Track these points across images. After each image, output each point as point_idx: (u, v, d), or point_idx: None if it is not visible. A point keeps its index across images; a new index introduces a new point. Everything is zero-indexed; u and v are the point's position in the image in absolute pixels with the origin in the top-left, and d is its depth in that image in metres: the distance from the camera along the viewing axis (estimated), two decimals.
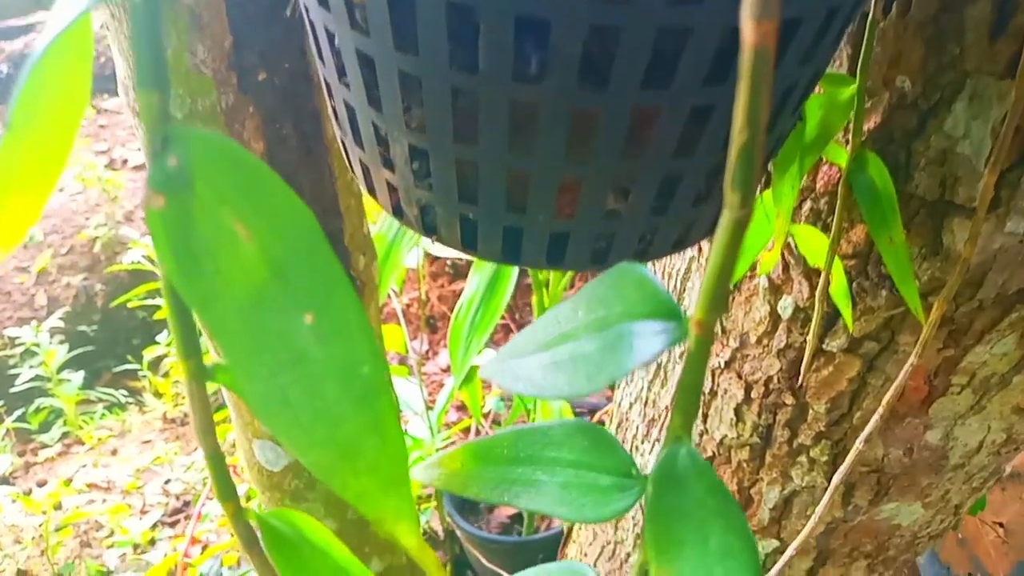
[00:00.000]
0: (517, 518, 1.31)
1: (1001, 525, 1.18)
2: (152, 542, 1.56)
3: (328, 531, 0.23)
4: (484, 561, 1.18)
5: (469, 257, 1.02)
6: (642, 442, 0.68)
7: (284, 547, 0.22)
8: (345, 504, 0.84)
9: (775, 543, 0.59)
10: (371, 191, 0.26)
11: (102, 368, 2.65)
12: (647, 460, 0.68)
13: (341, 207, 0.68)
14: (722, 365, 0.52)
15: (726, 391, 0.53)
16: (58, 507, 1.69)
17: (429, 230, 0.25)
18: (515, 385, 0.23)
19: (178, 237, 0.14)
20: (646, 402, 0.67)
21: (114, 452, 2.02)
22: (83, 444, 2.12)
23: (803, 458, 0.52)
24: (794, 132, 0.31)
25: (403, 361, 1.89)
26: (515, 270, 0.94)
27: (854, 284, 0.39)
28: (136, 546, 1.51)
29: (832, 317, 0.42)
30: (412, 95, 0.21)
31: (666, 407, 0.62)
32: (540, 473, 0.25)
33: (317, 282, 0.15)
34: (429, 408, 1.33)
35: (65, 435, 2.20)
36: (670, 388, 0.62)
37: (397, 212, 0.26)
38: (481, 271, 0.96)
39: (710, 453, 0.57)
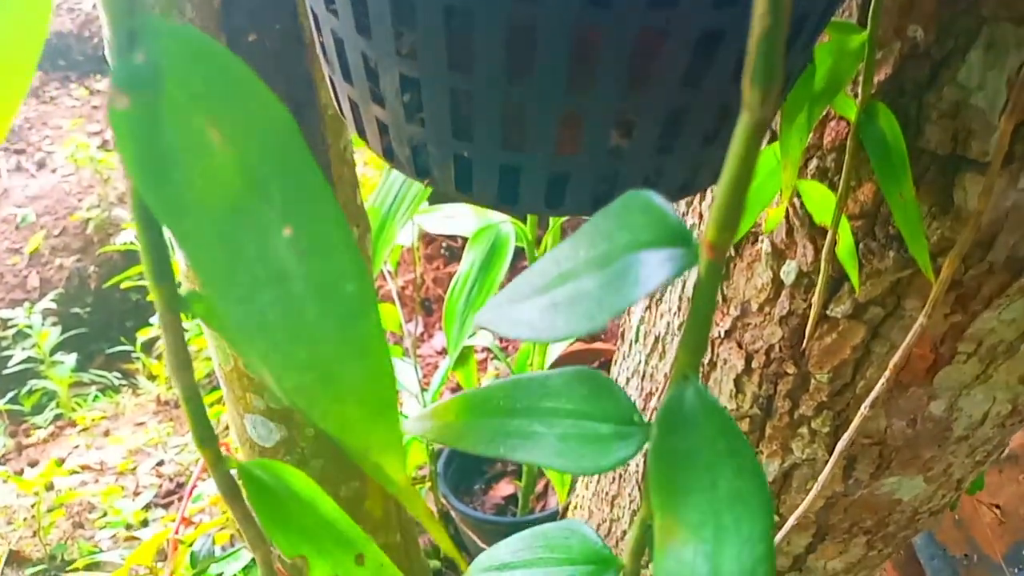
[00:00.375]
0: (512, 499, 1.30)
1: (998, 507, 1.18)
2: (145, 523, 1.55)
3: (313, 483, 0.22)
4: (479, 542, 1.17)
5: (465, 233, 1.00)
6: None
7: (267, 498, 0.21)
8: (338, 480, 0.83)
9: (774, 518, 0.58)
10: (361, 132, 0.25)
11: (95, 351, 2.64)
12: None
13: (334, 176, 0.66)
14: (722, 335, 0.51)
15: (726, 361, 0.52)
16: (50, 487, 1.68)
17: (422, 172, 0.24)
18: (513, 330, 0.21)
19: (145, 142, 0.13)
20: (643, 376, 0.66)
21: (107, 434, 2.01)
22: (76, 426, 2.11)
23: (804, 430, 0.51)
24: (803, 80, 0.30)
25: (398, 342, 1.88)
26: (511, 245, 0.92)
27: (861, 245, 0.38)
28: (128, 526, 1.50)
29: (837, 282, 0.41)
30: (403, 18, 0.20)
31: (665, 375, 0.61)
32: (537, 424, 0.24)
33: (297, 192, 0.13)
34: (424, 390, 1.32)
35: (58, 417, 2.19)
36: (668, 360, 0.61)
37: (388, 154, 0.25)
38: (477, 247, 0.95)
39: None
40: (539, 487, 1.31)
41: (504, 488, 1.31)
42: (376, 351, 0.13)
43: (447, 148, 0.23)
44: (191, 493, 0.93)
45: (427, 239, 2.37)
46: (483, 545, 1.16)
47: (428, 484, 1.41)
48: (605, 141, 0.22)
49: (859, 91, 0.32)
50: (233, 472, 0.22)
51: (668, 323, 0.60)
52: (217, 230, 0.13)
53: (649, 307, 0.63)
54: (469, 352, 1.39)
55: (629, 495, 0.73)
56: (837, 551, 0.61)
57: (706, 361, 0.54)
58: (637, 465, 0.70)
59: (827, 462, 0.48)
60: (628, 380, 0.70)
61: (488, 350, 1.88)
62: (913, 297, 0.40)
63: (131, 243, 2.15)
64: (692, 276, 0.59)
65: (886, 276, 0.39)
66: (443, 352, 1.94)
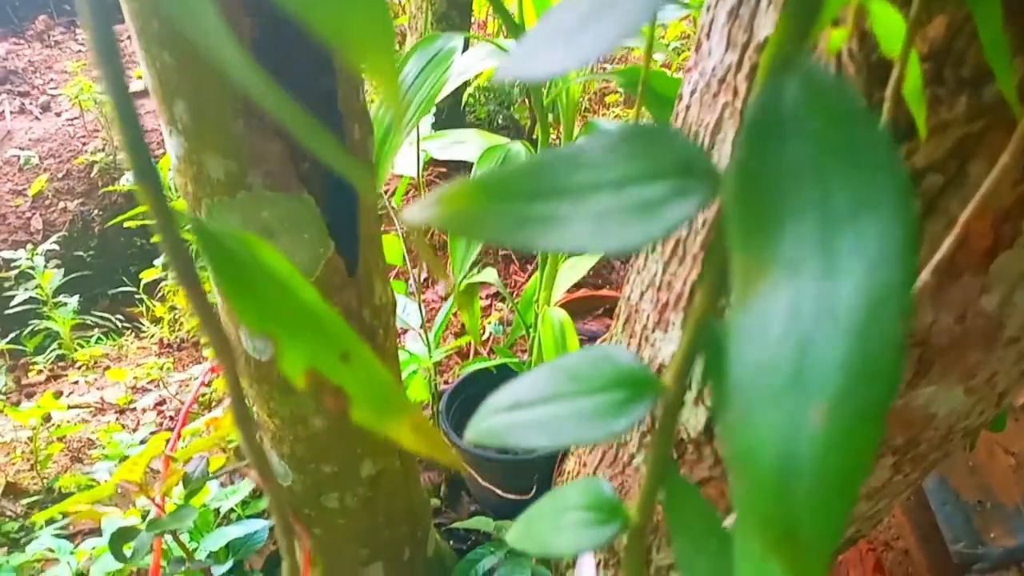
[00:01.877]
0: None
1: (1013, 455, 1.15)
2: None
3: (292, 267, 0.18)
4: (480, 480, 1.15)
5: (472, 160, 0.94)
6: (653, 330, 0.63)
7: (233, 269, 0.17)
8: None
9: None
10: None
11: (99, 294, 2.62)
12: (657, 350, 0.63)
13: (335, 65, 0.62)
14: None
15: None
16: (47, 419, 1.67)
17: None
18: (539, 68, 0.17)
19: None
20: (659, 287, 0.62)
21: (107, 369, 1.99)
22: (76, 364, 2.10)
23: None
24: None
25: (404, 279, 1.84)
26: None
27: (928, 92, 0.33)
28: (125, 458, 1.49)
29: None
30: None
31: (685, 281, 0.57)
32: (567, 206, 0.19)
33: None
34: (427, 331, 1.29)
35: (60, 358, 2.17)
36: (687, 264, 0.57)
37: None
38: (485, 164, 0.91)
39: None
40: None
41: None
42: None
43: None
44: (187, 415, 0.90)
45: (434, 186, 2.33)
46: (484, 483, 1.14)
47: (430, 423, 1.38)
48: None
49: None
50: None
51: (690, 220, 0.56)
52: None
53: None
54: (474, 292, 1.35)
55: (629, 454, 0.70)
56: None
57: None
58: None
59: None
60: (642, 295, 0.66)
61: (492, 296, 1.84)
62: (979, 160, 0.36)
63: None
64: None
65: (953, 130, 0.34)
66: (447, 298, 1.91)
